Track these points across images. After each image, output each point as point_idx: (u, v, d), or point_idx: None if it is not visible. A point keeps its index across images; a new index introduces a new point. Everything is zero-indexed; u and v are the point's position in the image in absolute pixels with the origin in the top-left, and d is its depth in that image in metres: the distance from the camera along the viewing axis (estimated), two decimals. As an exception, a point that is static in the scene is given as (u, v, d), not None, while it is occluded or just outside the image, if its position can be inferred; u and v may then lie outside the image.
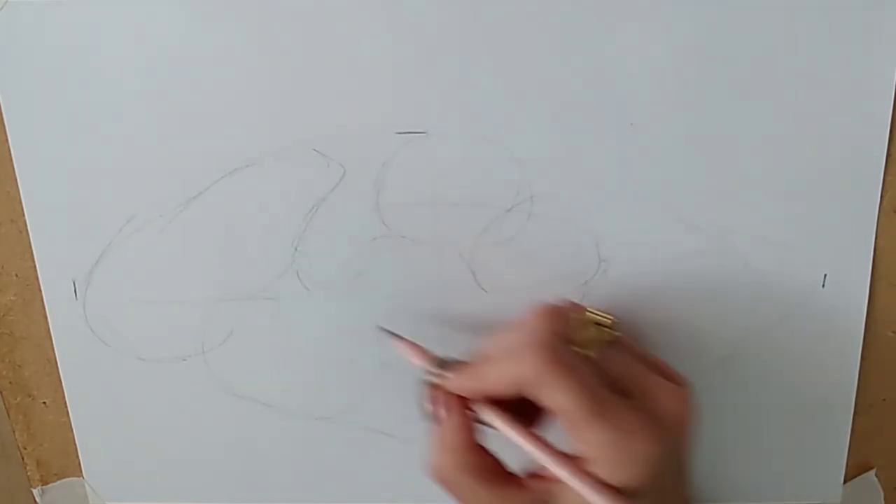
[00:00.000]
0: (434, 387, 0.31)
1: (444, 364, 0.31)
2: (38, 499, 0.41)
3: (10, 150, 0.34)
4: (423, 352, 0.32)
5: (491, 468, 0.29)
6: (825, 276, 0.34)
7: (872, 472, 0.39)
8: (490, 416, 0.29)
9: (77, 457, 0.40)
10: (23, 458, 0.40)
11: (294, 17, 0.31)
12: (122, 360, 0.37)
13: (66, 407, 0.38)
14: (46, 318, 0.37)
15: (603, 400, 0.27)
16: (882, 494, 0.39)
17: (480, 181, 0.34)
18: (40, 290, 0.36)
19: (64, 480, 0.41)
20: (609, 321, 0.30)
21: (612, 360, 0.29)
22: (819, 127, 0.32)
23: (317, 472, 0.39)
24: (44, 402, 0.39)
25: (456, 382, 0.30)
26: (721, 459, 0.38)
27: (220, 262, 0.35)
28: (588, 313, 0.31)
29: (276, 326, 0.36)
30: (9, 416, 0.39)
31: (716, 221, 0.34)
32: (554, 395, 0.27)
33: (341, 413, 0.38)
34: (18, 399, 0.39)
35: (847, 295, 0.35)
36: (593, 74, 0.32)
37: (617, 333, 0.30)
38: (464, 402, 0.30)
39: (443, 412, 0.30)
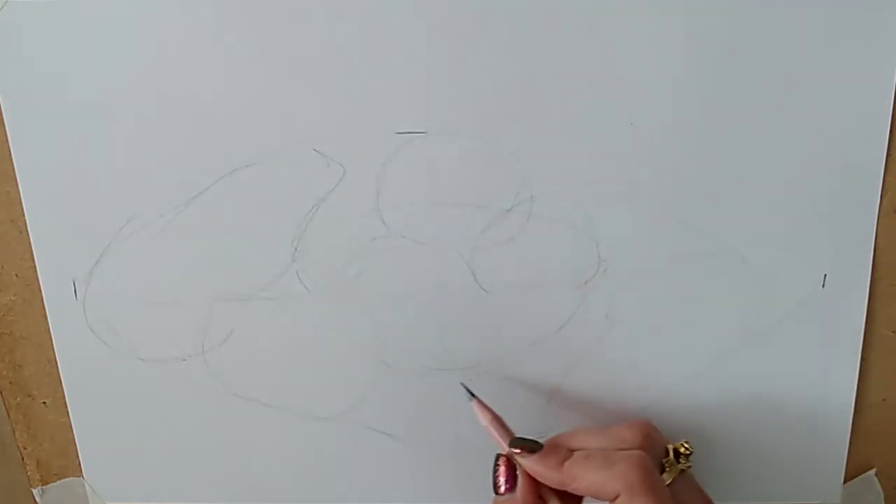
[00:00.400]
0: (507, 461, 0.32)
1: (523, 442, 0.32)
2: (38, 499, 0.41)
3: (10, 150, 0.34)
4: (503, 425, 0.33)
5: None
6: (825, 276, 0.34)
7: (872, 472, 0.39)
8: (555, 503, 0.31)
9: (77, 457, 0.40)
10: (23, 458, 0.40)
11: (294, 18, 0.31)
12: (122, 360, 0.37)
13: (66, 407, 0.38)
14: (46, 318, 0.37)
15: None
16: (882, 494, 0.39)
17: (480, 181, 0.34)
18: (40, 290, 0.36)
19: (64, 480, 0.41)
20: (688, 451, 0.31)
21: (683, 489, 0.30)
22: (819, 127, 0.32)
23: (317, 472, 0.39)
24: (44, 402, 0.39)
25: (538, 467, 0.31)
26: (721, 459, 0.38)
27: (220, 262, 0.35)
28: (667, 441, 0.32)
29: (276, 326, 0.36)
30: (9, 416, 0.39)
31: (716, 221, 0.34)
32: None
33: (341, 413, 0.38)
34: (18, 399, 0.39)
35: (847, 295, 0.35)
36: (593, 74, 0.32)
37: (690, 464, 0.31)
38: (536, 484, 0.31)
39: (518, 490, 0.31)
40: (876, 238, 0.34)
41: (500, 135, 0.33)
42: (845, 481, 0.38)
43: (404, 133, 0.33)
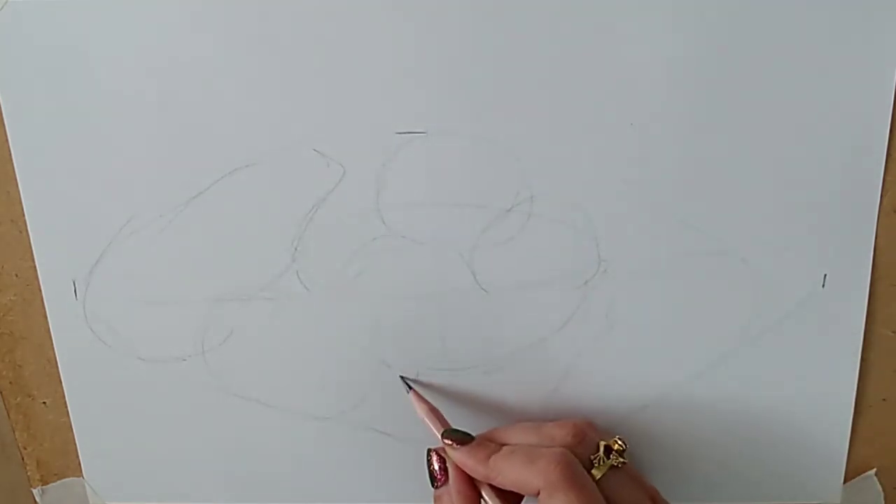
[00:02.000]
0: (440, 454, 0.33)
1: (454, 434, 0.32)
2: (38, 499, 0.41)
3: (10, 150, 0.34)
4: (438, 417, 0.34)
5: None
6: (825, 276, 0.34)
7: (872, 472, 0.39)
8: (489, 494, 0.31)
9: (77, 457, 0.40)
10: (23, 458, 0.40)
11: (294, 18, 0.31)
12: (122, 360, 0.37)
13: (66, 407, 0.38)
14: (46, 318, 0.37)
15: None
16: (882, 494, 0.39)
17: (480, 181, 0.34)
18: (40, 290, 0.36)
19: (64, 480, 0.41)
20: (622, 448, 0.31)
21: (616, 485, 0.31)
22: (819, 127, 0.32)
23: (317, 472, 0.39)
24: (44, 402, 0.39)
25: (466, 460, 0.31)
26: (721, 459, 0.38)
27: (220, 262, 0.35)
28: (603, 438, 0.32)
29: (276, 326, 0.36)
30: (9, 416, 0.39)
31: (715, 221, 0.34)
32: None
33: (341, 413, 0.38)
34: (18, 399, 0.39)
35: (847, 295, 0.35)
36: (593, 74, 0.32)
37: (624, 460, 0.31)
38: (469, 476, 0.32)
39: (450, 481, 0.32)
40: (876, 238, 0.34)
41: (500, 135, 0.33)
42: (845, 481, 0.38)
43: (404, 133, 0.33)
